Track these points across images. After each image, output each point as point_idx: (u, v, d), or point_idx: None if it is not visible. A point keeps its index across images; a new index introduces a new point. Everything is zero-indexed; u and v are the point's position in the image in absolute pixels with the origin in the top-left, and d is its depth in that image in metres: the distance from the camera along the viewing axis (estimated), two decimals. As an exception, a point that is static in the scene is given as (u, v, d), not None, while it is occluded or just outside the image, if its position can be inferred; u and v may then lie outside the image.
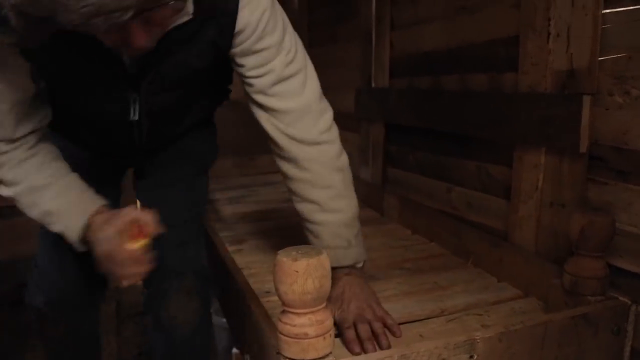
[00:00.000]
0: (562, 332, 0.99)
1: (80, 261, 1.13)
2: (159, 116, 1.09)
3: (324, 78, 1.13)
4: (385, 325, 1.06)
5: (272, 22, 0.98)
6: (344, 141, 1.16)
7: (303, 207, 1.13)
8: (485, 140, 1.50)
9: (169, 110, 1.11)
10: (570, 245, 1.12)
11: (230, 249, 1.61)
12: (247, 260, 1.53)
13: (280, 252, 0.81)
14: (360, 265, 1.16)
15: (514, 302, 1.23)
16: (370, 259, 1.42)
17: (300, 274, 0.78)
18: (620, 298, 1.06)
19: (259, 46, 0.99)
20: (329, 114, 1.11)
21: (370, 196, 2.02)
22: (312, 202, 1.10)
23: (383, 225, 1.84)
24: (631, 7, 1.08)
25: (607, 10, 1.12)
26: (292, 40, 1.03)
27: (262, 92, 1.03)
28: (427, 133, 1.75)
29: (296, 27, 1.07)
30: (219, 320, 1.83)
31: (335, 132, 1.12)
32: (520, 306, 1.21)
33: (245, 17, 0.95)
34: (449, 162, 1.69)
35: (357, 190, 1.16)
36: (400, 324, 1.11)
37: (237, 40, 0.98)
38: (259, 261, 1.52)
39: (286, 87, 1.03)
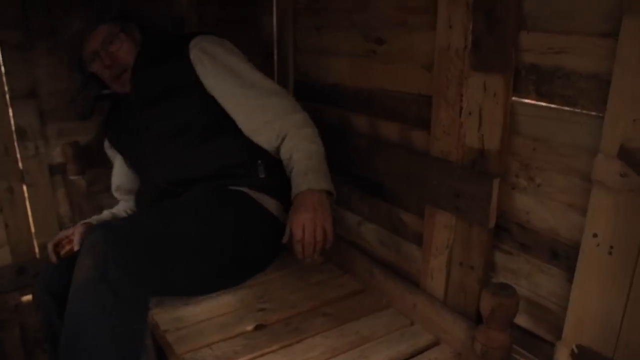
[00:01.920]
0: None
1: None
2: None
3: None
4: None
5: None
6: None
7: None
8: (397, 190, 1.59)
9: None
10: (477, 301, 1.26)
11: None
12: (171, 317, 1.47)
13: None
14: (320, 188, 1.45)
15: (429, 351, 1.37)
16: (289, 302, 1.55)
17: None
18: (522, 362, 1.24)
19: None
20: None
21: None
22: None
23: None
24: (536, 102, 1.18)
25: (516, 99, 1.22)
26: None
27: None
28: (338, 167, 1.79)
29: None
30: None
31: None
32: (436, 356, 1.35)
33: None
34: (360, 197, 1.76)
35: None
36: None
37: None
38: (186, 317, 1.47)
39: None
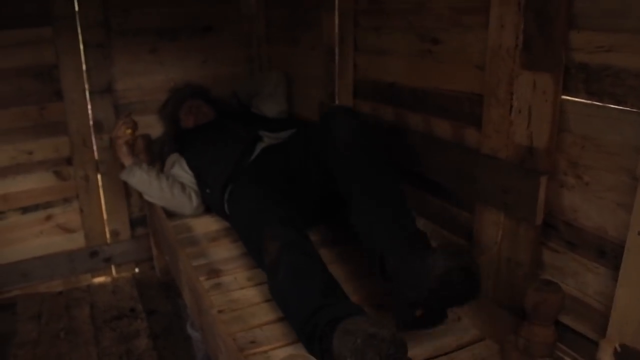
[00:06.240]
0: (518, 398, 1.16)
1: None
2: None
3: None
4: None
5: None
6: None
7: None
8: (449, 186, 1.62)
9: None
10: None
11: (206, 283, 1.62)
12: (227, 299, 1.55)
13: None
14: None
15: (473, 346, 1.39)
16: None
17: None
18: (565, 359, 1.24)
19: None
20: None
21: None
22: None
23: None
24: (585, 101, 1.19)
25: (566, 97, 1.23)
26: None
27: None
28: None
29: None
30: (195, 334, 1.93)
31: None
32: (480, 352, 1.37)
33: None
34: (413, 192, 1.79)
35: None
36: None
37: None
38: (241, 299, 1.54)
39: None
